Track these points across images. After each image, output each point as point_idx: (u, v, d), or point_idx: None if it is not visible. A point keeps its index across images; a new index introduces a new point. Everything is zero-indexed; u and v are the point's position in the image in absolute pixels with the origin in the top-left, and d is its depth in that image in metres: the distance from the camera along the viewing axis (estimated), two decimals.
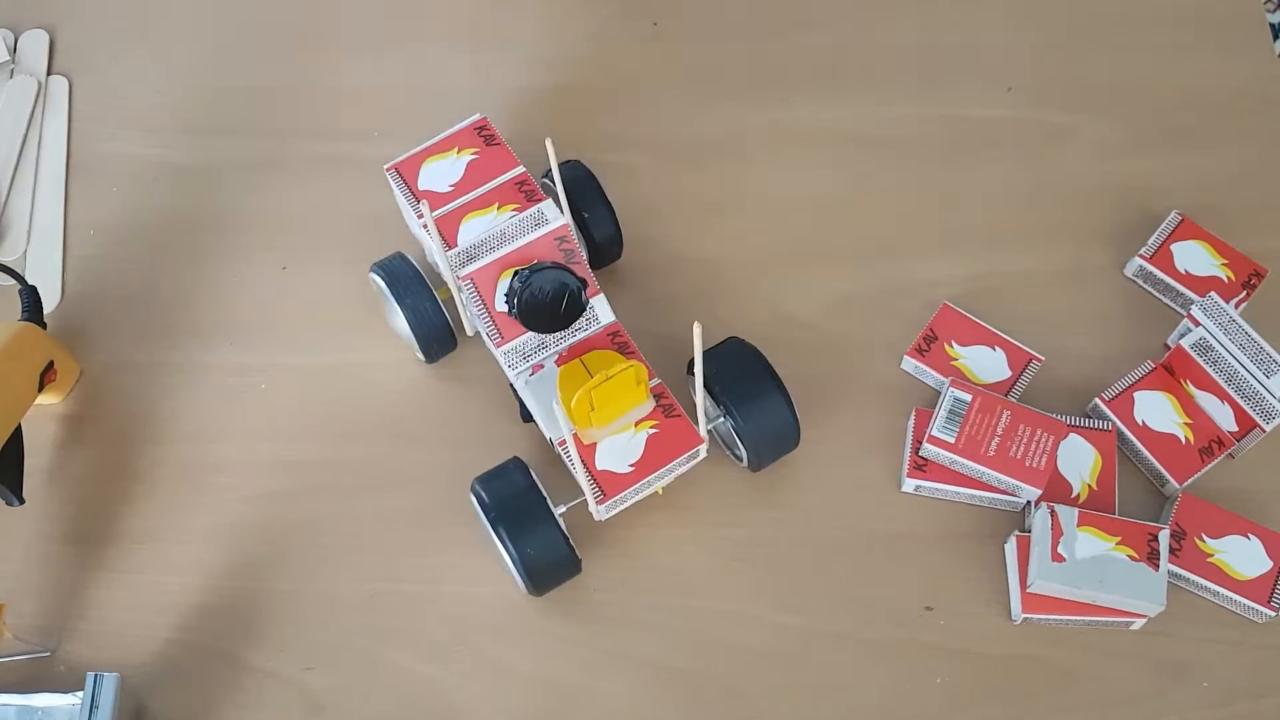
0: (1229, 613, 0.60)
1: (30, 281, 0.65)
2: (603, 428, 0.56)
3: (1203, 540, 0.60)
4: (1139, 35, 0.76)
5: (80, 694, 0.54)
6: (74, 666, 0.58)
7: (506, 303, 0.58)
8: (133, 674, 0.58)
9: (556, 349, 0.60)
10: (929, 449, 0.61)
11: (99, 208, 0.71)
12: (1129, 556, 0.57)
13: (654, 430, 0.57)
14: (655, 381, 0.58)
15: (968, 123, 0.74)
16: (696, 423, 0.57)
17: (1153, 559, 0.57)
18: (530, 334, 0.59)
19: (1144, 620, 0.58)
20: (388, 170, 0.62)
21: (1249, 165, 0.72)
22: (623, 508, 0.58)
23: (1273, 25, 0.80)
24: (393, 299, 0.61)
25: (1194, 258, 0.67)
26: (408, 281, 0.61)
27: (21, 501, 0.59)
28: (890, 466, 0.63)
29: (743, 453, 0.60)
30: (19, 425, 0.60)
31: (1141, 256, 0.67)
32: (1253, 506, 0.61)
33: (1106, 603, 0.58)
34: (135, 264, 0.69)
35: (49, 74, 0.76)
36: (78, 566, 0.61)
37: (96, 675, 0.54)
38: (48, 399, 0.64)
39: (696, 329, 0.50)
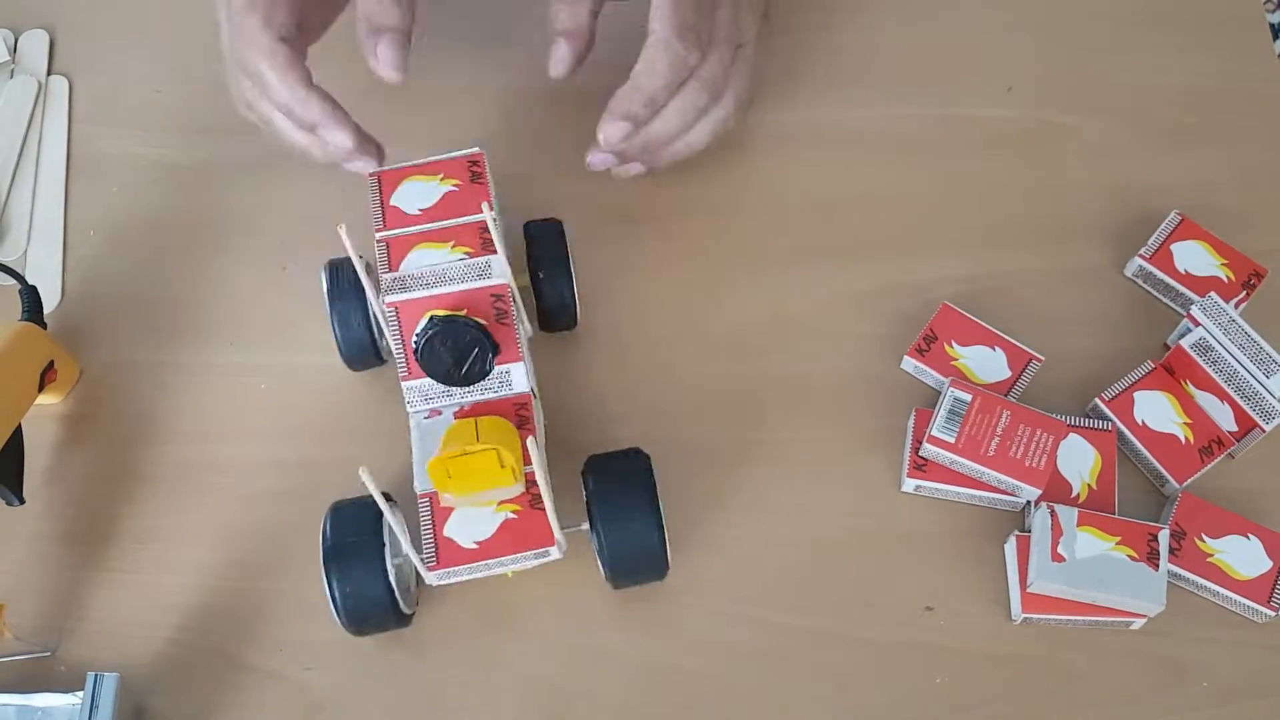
0: (1229, 613, 0.60)
1: (30, 281, 0.65)
2: (461, 496, 0.54)
3: (1203, 540, 0.60)
4: (1139, 35, 0.76)
5: (80, 694, 0.54)
6: (74, 666, 0.58)
7: (415, 342, 0.56)
8: (133, 674, 0.58)
9: (460, 401, 0.58)
10: (929, 449, 0.61)
11: (99, 208, 0.71)
12: (1129, 556, 0.57)
13: (514, 516, 0.55)
14: (531, 468, 0.55)
15: (968, 123, 0.73)
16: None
17: (1153, 559, 0.57)
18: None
19: (1144, 620, 0.58)
20: (369, 176, 0.61)
21: (1249, 165, 0.72)
22: (454, 581, 0.55)
23: (1273, 25, 0.80)
24: (326, 299, 0.61)
25: (1194, 258, 0.67)
26: (347, 287, 0.61)
27: (22, 501, 0.59)
28: (890, 466, 0.63)
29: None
30: (19, 425, 0.60)
31: (1141, 256, 0.67)
32: (1253, 506, 0.61)
33: (1106, 603, 0.58)
34: (135, 264, 0.69)
35: (49, 74, 0.76)
36: (78, 566, 0.61)
37: (96, 675, 0.54)
38: (48, 399, 0.64)
39: (530, 443, 0.50)
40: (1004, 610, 0.60)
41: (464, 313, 0.56)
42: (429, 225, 0.59)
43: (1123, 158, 0.72)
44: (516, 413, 0.57)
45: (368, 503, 0.56)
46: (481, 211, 0.58)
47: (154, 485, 0.63)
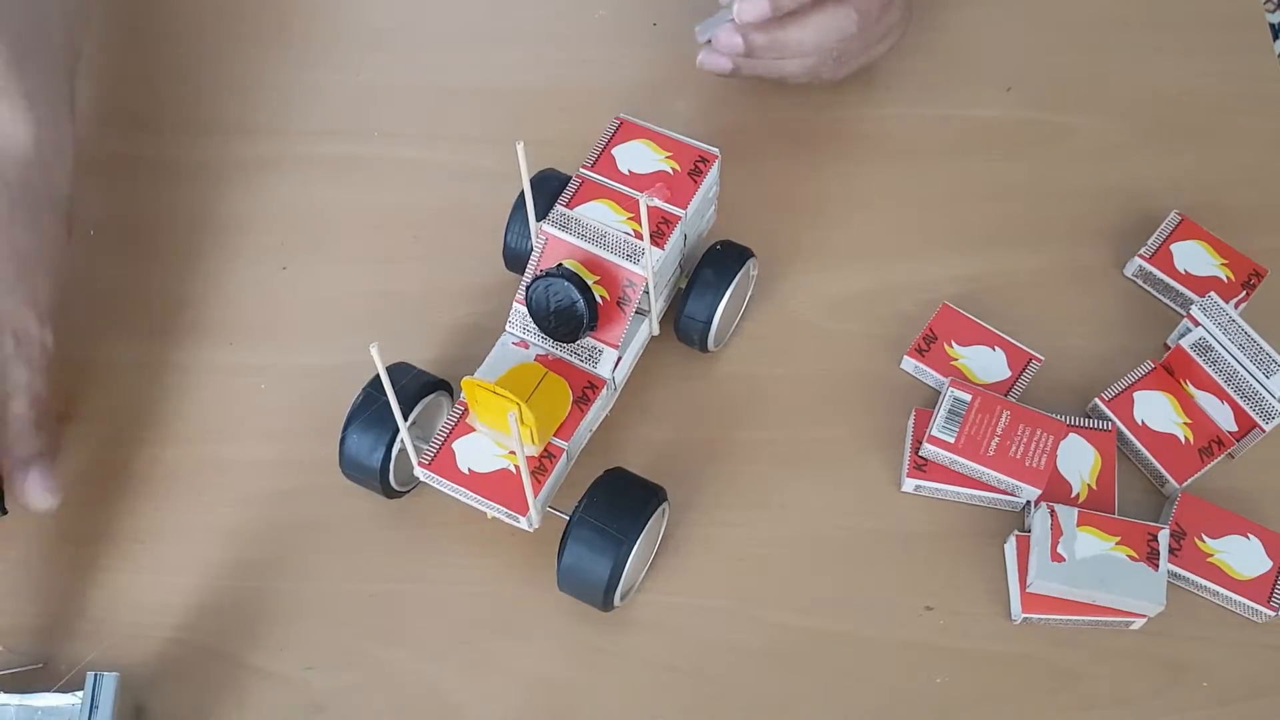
0: (1229, 613, 0.60)
1: None
2: (482, 424, 0.56)
3: (1202, 540, 0.60)
4: (1139, 35, 0.76)
5: (80, 694, 0.54)
6: (73, 666, 0.58)
7: (533, 278, 0.58)
8: (133, 674, 0.58)
9: (548, 349, 0.60)
10: (929, 449, 0.61)
11: (99, 208, 0.71)
12: (1129, 556, 0.57)
13: (512, 470, 0.56)
14: (563, 442, 0.57)
15: (968, 123, 0.74)
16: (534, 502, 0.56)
17: (1152, 559, 0.57)
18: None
19: (1144, 620, 0.58)
20: (622, 115, 0.63)
21: (1249, 165, 0.72)
22: (434, 485, 0.57)
23: (1273, 25, 0.80)
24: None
25: (1194, 258, 0.67)
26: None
27: (4, 512, 0.59)
28: (890, 466, 0.63)
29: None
30: None
31: (1141, 256, 0.67)
32: (1253, 506, 0.61)
33: (1106, 603, 0.58)
34: (135, 264, 0.69)
35: None
36: (77, 566, 0.61)
37: (96, 675, 0.54)
38: None
39: (514, 418, 0.49)
40: (1004, 610, 0.60)
41: (595, 280, 0.58)
42: (623, 187, 0.61)
43: (1123, 158, 0.72)
44: (584, 389, 0.59)
45: (423, 376, 0.59)
46: (673, 206, 0.60)
47: (153, 485, 0.63)
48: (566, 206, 0.60)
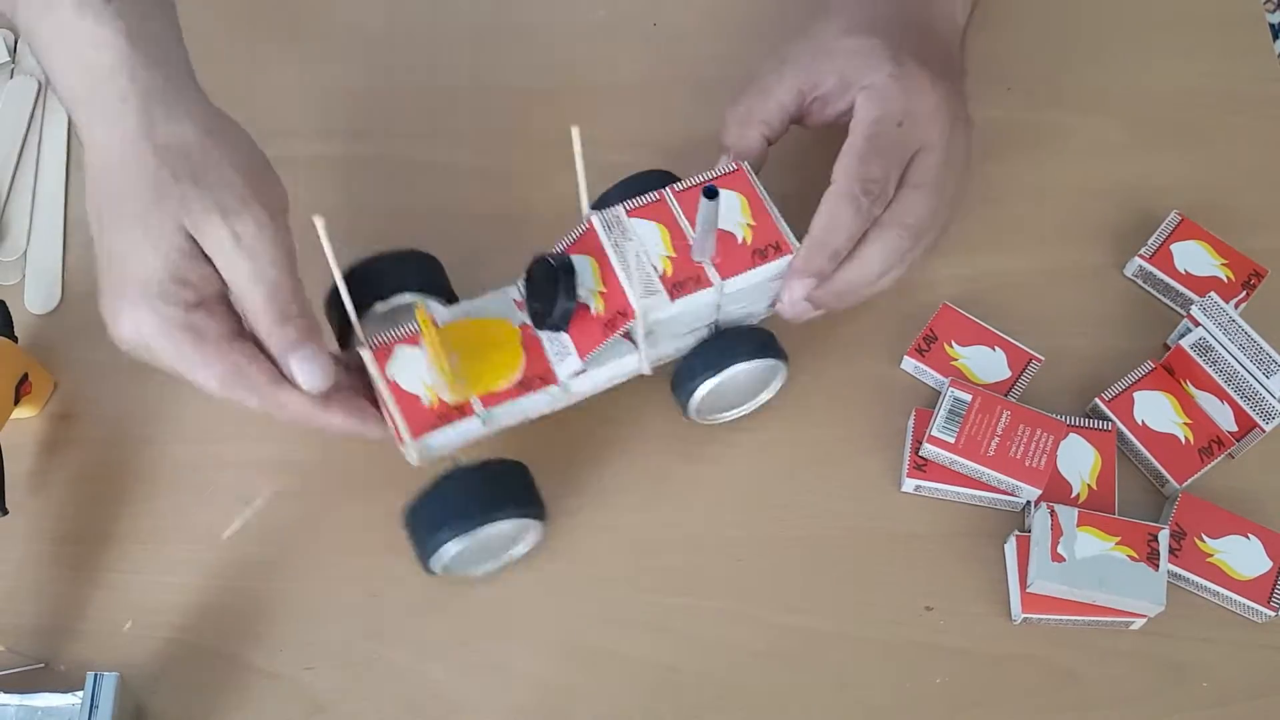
0: (1229, 613, 0.60)
1: (29, 282, 0.65)
2: (427, 347, 0.56)
3: (1202, 540, 0.60)
4: (1139, 35, 0.76)
5: (80, 694, 0.54)
6: (74, 666, 0.58)
7: (539, 256, 0.57)
8: (133, 674, 0.58)
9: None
10: (929, 449, 0.61)
11: None
12: (1129, 556, 0.57)
13: (424, 401, 0.56)
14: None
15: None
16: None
17: (1152, 559, 0.57)
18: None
19: (1144, 620, 0.58)
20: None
21: (1249, 165, 0.72)
22: (369, 371, 0.56)
23: (1272, 25, 0.80)
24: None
25: (1194, 258, 0.67)
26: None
27: (5, 512, 0.59)
28: (890, 466, 0.63)
29: None
30: None
31: (1141, 256, 0.67)
32: (1253, 506, 0.61)
33: (1106, 603, 0.58)
34: None
35: None
36: (77, 567, 0.61)
37: (96, 675, 0.54)
38: (23, 412, 0.64)
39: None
40: (1004, 610, 0.60)
41: (600, 290, 0.57)
42: (686, 223, 0.58)
43: (1123, 158, 0.72)
44: (535, 377, 0.57)
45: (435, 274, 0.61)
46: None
47: (154, 485, 0.63)
48: (627, 212, 0.58)
